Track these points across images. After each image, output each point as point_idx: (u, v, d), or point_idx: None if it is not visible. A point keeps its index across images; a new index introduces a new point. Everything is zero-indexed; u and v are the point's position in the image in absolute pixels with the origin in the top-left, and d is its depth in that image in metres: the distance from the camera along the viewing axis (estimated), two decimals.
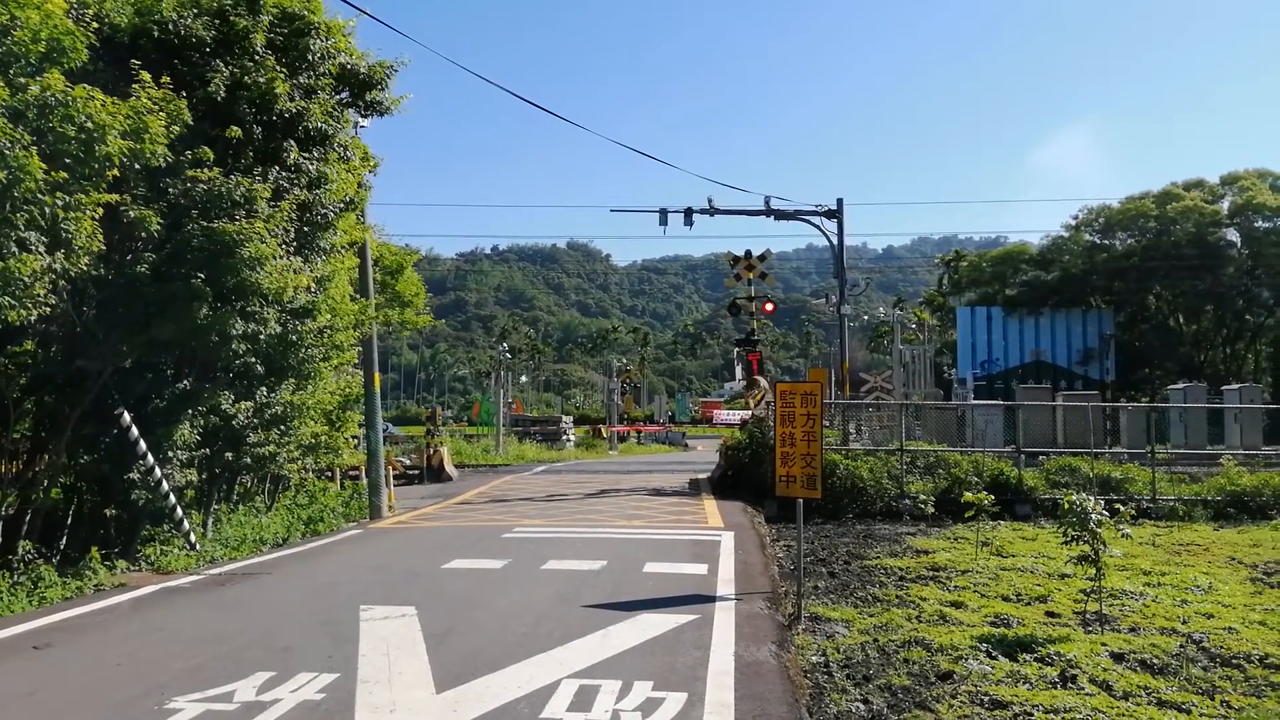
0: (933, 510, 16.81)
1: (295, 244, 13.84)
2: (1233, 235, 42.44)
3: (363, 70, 15.09)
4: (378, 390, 18.32)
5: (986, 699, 6.41)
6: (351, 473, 23.03)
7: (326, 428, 17.29)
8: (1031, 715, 6.09)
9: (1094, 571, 8.61)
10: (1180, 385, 32.58)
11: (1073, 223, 47.01)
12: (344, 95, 15.18)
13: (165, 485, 12.42)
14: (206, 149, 11.86)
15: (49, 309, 9.82)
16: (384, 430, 21.04)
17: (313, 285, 14.22)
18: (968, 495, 12.75)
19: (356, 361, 18.58)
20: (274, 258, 12.18)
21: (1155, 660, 7.37)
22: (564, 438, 52.90)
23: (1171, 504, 17.86)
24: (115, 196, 10.38)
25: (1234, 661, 7.42)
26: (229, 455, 14.18)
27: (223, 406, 13.18)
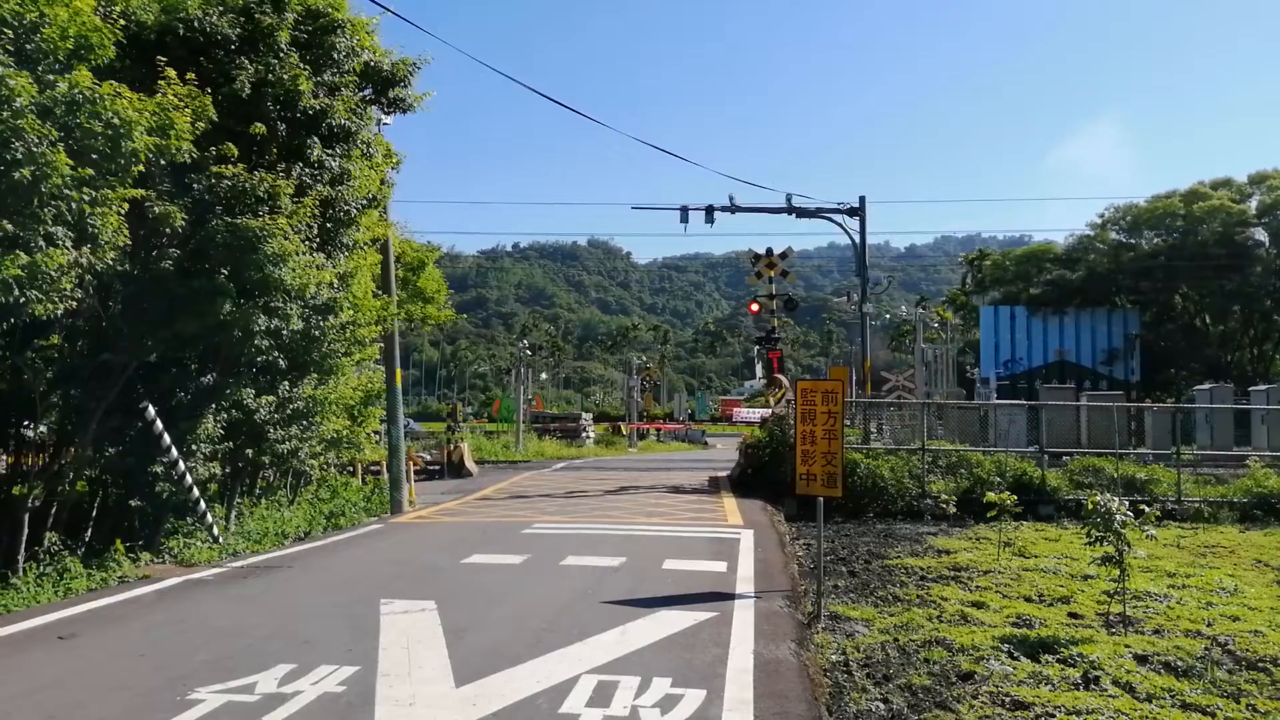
0: (954, 510, 16.70)
1: (318, 240, 13.92)
2: (1261, 235, 41.92)
3: (386, 67, 15.16)
4: (399, 386, 18.39)
5: (1008, 699, 6.36)
6: (373, 468, 23.17)
7: (348, 423, 17.40)
8: (1053, 716, 6.04)
9: (1118, 573, 8.54)
10: (1206, 386, 32.21)
11: (1099, 221, 46.66)
12: (367, 92, 15.25)
13: (189, 478, 12.53)
14: (231, 145, 11.95)
15: (75, 303, 9.93)
16: (405, 426, 21.14)
17: (335, 281, 14.30)
18: (990, 495, 12.66)
19: (378, 357, 18.68)
20: (297, 254, 12.26)
21: (1179, 662, 7.29)
22: (584, 435, 53.01)
23: (1197, 505, 17.67)
24: (141, 192, 10.48)
25: (1260, 664, 7.32)
26: (251, 449, 14.30)
27: (245, 401, 13.29)
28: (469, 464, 29.14)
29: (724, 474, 26.07)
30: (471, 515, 17.45)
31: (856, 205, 26.71)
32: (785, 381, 24.49)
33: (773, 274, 26.26)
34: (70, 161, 9.06)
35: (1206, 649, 7.72)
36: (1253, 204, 42.73)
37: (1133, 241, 44.79)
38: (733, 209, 27.06)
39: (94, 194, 9.48)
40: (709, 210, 27.15)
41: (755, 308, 27.67)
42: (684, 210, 27.42)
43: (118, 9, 11.40)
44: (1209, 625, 8.60)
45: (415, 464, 23.84)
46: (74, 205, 9.25)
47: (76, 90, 9.35)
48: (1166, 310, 44.92)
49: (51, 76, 9.41)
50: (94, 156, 9.58)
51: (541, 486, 23.88)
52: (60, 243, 9.21)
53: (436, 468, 28.41)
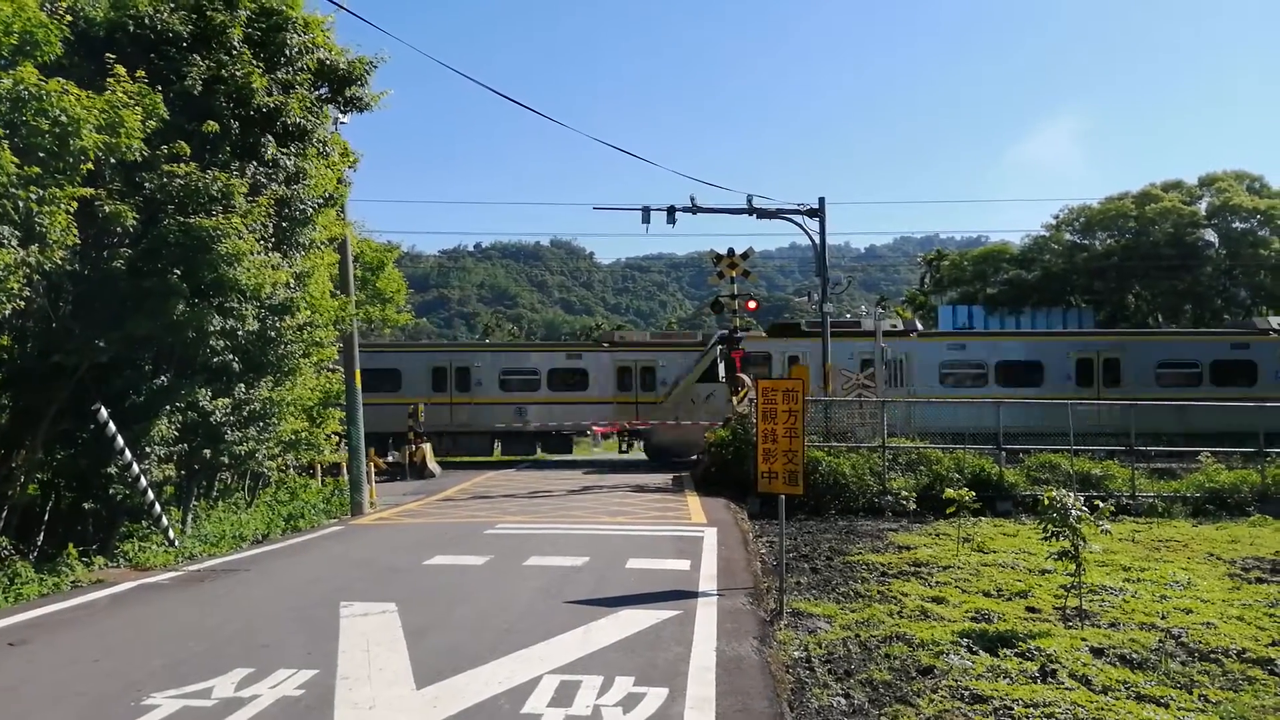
0: (915, 507, 16.85)
1: (274, 239, 13.74)
2: (1211, 236, 42.84)
3: (342, 66, 14.98)
4: (359, 387, 18.21)
5: (967, 693, 6.42)
6: (334, 469, 22.89)
7: (307, 424, 17.19)
8: (1011, 710, 6.11)
9: (1074, 567, 8.66)
10: None
11: (1054, 222, 47.53)
12: (323, 91, 15.07)
13: (143, 481, 12.31)
14: (183, 143, 11.76)
15: (24, 303, 9.73)
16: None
17: (292, 281, 14.12)
18: (949, 492, 12.79)
19: (337, 358, 18.47)
20: (252, 253, 12.09)
21: (1134, 655, 7.40)
22: None
23: (1151, 500, 17.99)
24: (90, 191, 10.28)
25: (1212, 656, 7.47)
26: (207, 451, 14.06)
27: (201, 403, 13.08)
28: (431, 465, 28.87)
29: (688, 473, 26.10)
30: (433, 516, 17.31)
31: (816, 206, 26.85)
32: (747, 381, 24.55)
33: (735, 274, 26.26)
34: (16, 159, 8.88)
35: (1160, 641, 7.86)
36: (1202, 206, 43.68)
37: (1086, 242, 45.63)
38: (694, 209, 27.07)
39: (41, 192, 9.29)
40: (670, 211, 27.14)
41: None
42: (646, 210, 27.37)
43: (65, 5, 11.18)
44: (1163, 618, 8.75)
45: (376, 465, 23.62)
46: (20, 204, 9.06)
47: (21, 87, 9.17)
48: (1120, 309, 45.74)
49: None
50: (41, 154, 9.40)
51: (505, 487, 23.75)
52: (6, 242, 9.02)
53: (399, 467, 28.13)
